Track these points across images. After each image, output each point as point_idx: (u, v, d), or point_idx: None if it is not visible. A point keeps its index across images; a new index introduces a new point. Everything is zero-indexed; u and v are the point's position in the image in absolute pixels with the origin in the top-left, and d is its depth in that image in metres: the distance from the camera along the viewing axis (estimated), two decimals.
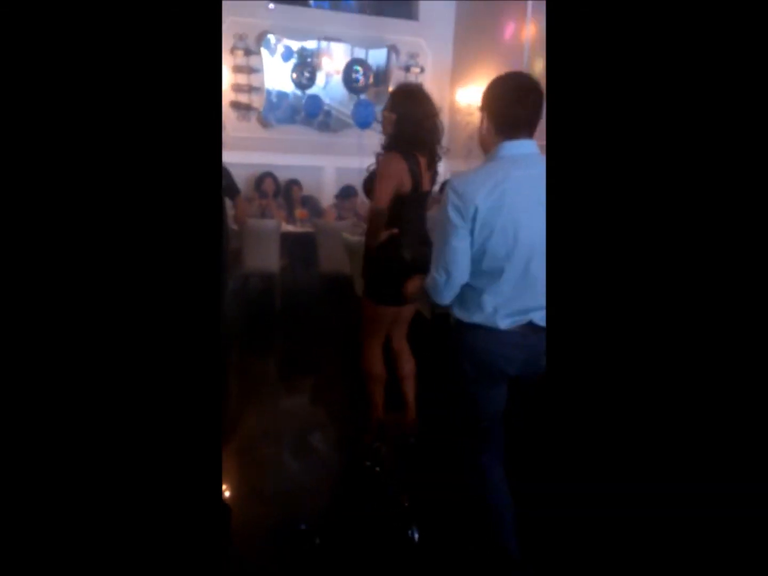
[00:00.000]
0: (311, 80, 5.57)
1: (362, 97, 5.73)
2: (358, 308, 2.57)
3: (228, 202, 3.60)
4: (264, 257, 4.56)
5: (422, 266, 1.76)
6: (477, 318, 1.59)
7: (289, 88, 5.61)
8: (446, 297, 1.62)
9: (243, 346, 4.08)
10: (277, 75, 5.57)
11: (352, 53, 5.77)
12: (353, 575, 1.95)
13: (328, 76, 5.76)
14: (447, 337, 1.73)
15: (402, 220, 2.29)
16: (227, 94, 5.35)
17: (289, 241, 4.77)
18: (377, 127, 2.49)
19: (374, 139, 2.57)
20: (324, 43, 5.68)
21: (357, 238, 3.80)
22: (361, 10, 5.81)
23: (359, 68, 5.67)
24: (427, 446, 2.56)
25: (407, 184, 2.26)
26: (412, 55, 5.83)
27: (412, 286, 1.87)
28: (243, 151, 5.09)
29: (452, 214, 1.51)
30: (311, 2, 5.73)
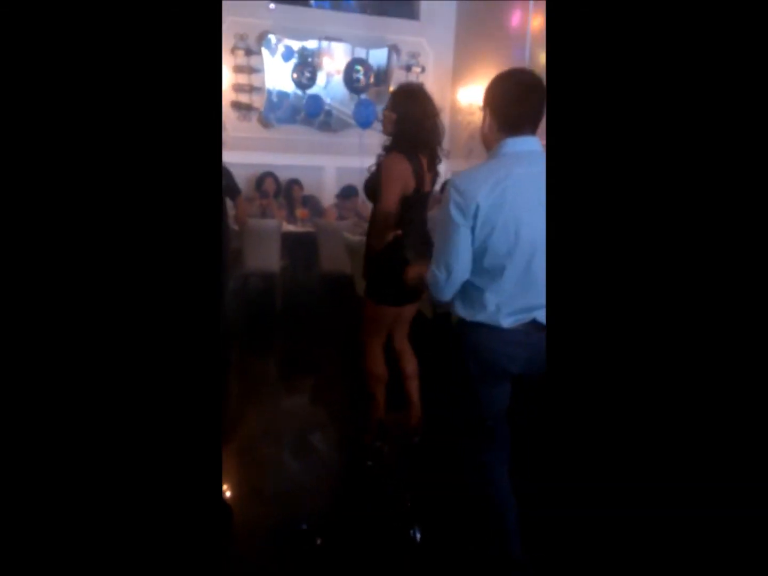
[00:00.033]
0: (312, 80, 5.57)
1: (363, 96, 5.73)
2: (359, 308, 2.57)
3: (229, 202, 3.60)
4: (265, 257, 4.56)
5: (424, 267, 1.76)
6: (480, 316, 1.58)
7: (289, 88, 5.61)
8: (447, 294, 1.61)
9: (243, 345, 4.08)
10: (277, 75, 5.57)
11: (352, 53, 5.77)
12: (354, 575, 1.95)
13: (328, 75, 5.76)
14: (450, 335, 1.72)
15: (404, 220, 2.28)
16: (228, 94, 5.35)
17: (289, 241, 4.77)
18: (378, 126, 2.49)
19: (375, 139, 2.58)
20: (325, 43, 5.68)
21: (358, 237, 3.80)
22: (362, 10, 5.81)
23: (360, 68, 5.66)
24: (429, 446, 2.56)
25: (411, 185, 2.26)
26: (413, 55, 5.83)
27: (413, 272, 1.87)
28: (244, 151, 5.10)
29: (453, 211, 1.51)
30: (312, 2, 5.73)
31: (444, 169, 2.58)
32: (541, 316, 1.55)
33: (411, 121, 2.25)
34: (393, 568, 1.97)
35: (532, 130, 1.56)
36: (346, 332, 3.88)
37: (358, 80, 5.67)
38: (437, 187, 2.57)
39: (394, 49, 5.82)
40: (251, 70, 5.41)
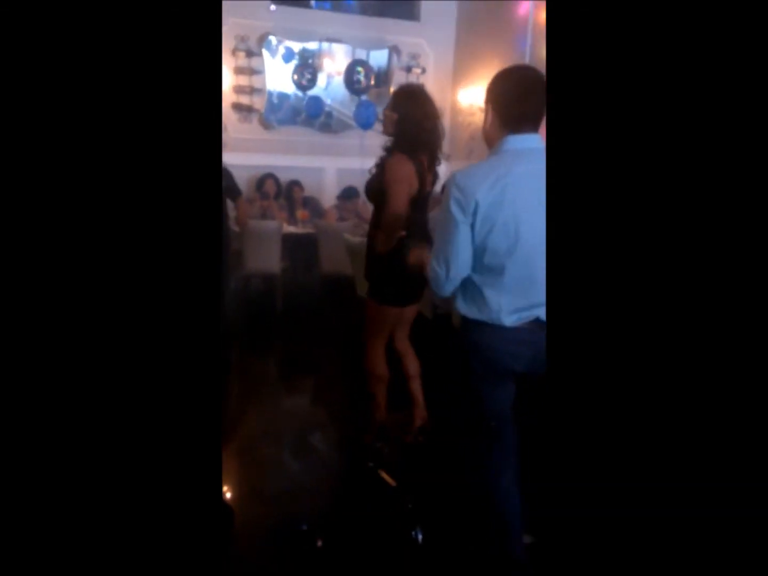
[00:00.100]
0: (312, 81, 5.57)
1: (363, 98, 5.73)
2: (360, 309, 2.58)
3: (229, 204, 3.61)
4: (265, 258, 4.56)
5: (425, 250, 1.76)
6: (482, 314, 1.58)
7: (290, 89, 5.61)
8: (447, 289, 1.61)
9: (244, 346, 4.08)
10: (278, 76, 5.57)
11: (353, 54, 5.77)
12: None
13: (329, 77, 5.76)
14: (452, 335, 1.72)
15: (406, 221, 2.29)
16: (229, 96, 5.35)
17: (290, 242, 4.77)
18: (379, 128, 2.49)
19: (376, 140, 2.58)
20: (325, 44, 5.68)
21: (358, 239, 3.80)
22: (363, 11, 5.81)
23: (360, 69, 5.67)
24: (431, 446, 2.56)
25: (414, 186, 2.27)
26: (414, 56, 5.83)
27: (414, 256, 1.87)
28: (244, 152, 5.09)
29: (454, 207, 1.51)
30: (312, 3, 5.74)
31: (444, 170, 2.59)
32: (544, 313, 1.54)
33: (412, 122, 2.26)
34: (393, 568, 1.97)
35: (535, 128, 1.56)
36: (346, 333, 3.89)
37: (358, 81, 5.67)
38: (437, 188, 2.58)
39: (394, 50, 5.82)
40: (252, 72, 5.41)
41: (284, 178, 5.40)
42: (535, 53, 4.57)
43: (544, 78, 1.51)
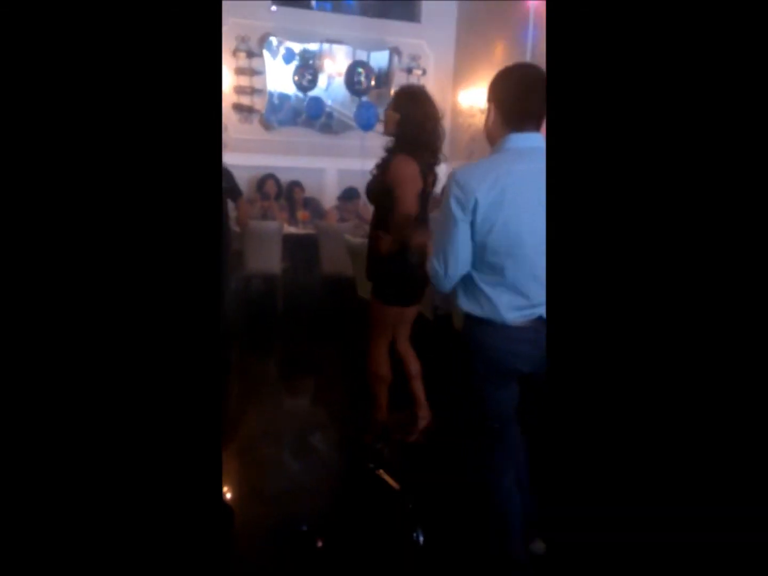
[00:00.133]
0: (313, 82, 5.58)
1: (364, 99, 5.73)
2: (361, 310, 2.58)
3: (230, 204, 3.61)
4: (266, 259, 4.57)
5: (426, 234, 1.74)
6: (484, 312, 1.58)
7: (291, 90, 5.62)
8: (446, 286, 1.61)
9: (244, 346, 4.09)
10: (279, 77, 5.58)
11: (354, 55, 5.77)
12: None
13: (330, 78, 5.77)
14: (451, 336, 1.72)
15: (415, 221, 2.28)
16: (229, 96, 5.36)
17: (290, 243, 4.77)
18: (379, 129, 2.49)
19: (376, 141, 2.58)
20: (326, 45, 5.69)
21: (359, 239, 3.80)
22: (363, 12, 5.82)
23: (361, 70, 5.68)
24: (432, 447, 2.56)
25: (418, 186, 2.27)
26: (414, 57, 5.84)
27: (416, 240, 1.86)
28: (245, 153, 5.10)
29: (453, 205, 1.50)
30: (313, 4, 5.75)
31: (444, 171, 2.59)
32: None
33: (413, 123, 2.26)
34: (394, 569, 1.97)
35: (537, 126, 1.55)
36: (346, 333, 3.89)
37: (359, 82, 5.68)
38: (437, 188, 2.58)
39: (395, 51, 5.83)
40: (252, 73, 5.42)
41: (285, 178, 5.41)
42: (536, 53, 4.57)
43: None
